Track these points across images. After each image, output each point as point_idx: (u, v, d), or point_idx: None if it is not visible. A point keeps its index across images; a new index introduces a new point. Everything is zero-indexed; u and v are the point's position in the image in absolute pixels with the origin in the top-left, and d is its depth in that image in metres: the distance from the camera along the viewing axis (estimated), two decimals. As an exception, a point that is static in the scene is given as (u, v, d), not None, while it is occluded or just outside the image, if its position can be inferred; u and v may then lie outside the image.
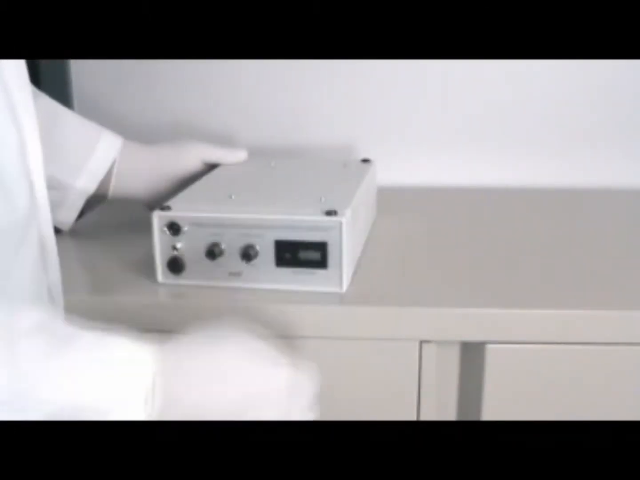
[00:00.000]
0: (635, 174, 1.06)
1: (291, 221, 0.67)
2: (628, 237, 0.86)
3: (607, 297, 0.69)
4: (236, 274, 0.69)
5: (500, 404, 0.68)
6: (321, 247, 0.67)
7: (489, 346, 0.66)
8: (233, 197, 0.73)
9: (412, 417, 0.69)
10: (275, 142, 1.08)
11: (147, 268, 0.72)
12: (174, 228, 0.68)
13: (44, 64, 1.08)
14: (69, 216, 0.84)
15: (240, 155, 0.87)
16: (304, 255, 0.67)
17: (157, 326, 0.68)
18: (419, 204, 1.00)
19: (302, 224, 0.67)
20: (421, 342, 0.67)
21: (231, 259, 0.68)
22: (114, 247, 0.82)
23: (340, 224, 0.66)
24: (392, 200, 0.92)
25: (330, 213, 0.66)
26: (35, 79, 1.08)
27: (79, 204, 0.83)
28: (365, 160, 0.91)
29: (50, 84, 1.09)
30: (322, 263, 0.67)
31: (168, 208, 0.69)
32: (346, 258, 0.67)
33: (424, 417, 0.69)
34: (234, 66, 1.05)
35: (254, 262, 0.68)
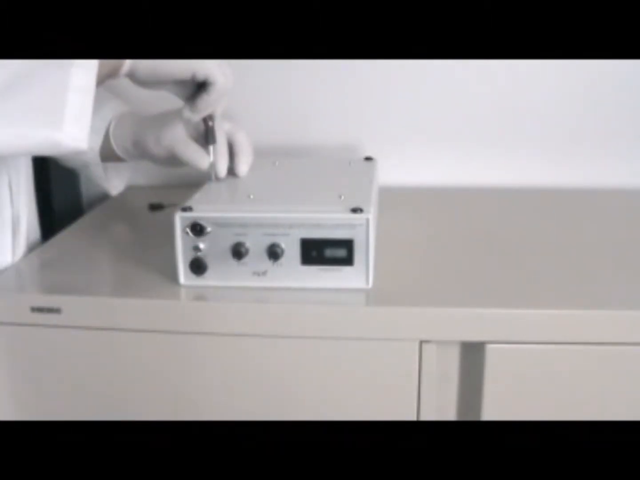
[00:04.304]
0: (635, 174, 1.06)
1: (317, 219, 0.67)
2: (628, 237, 0.85)
3: (607, 297, 0.69)
4: (261, 274, 0.69)
5: (500, 404, 0.68)
6: (347, 245, 0.67)
7: (489, 346, 0.66)
8: (252, 196, 0.73)
9: (412, 417, 0.69)
10: (273, 142, 1.08)
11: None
12: (196, 229, 0.68)
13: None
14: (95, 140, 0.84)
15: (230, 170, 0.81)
16: (330, 252, 0.68)
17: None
18: (419, 203, 0.99)
19: (329, 221, 0.67)
20: (421, 342, 0.67)
21: (256, 258, 0.68)
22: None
23: (367, 220, 0.67)
24: (391, 200, 0.91)
25: (356, 210, 0.67)
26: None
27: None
28: (368, 159, 0.92)
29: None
30: (348, 260, 0.68)
31: (190, 209, 0.68)
32: (372, 254, 0.68)
33: (424, 417, 0.69)
34: (233, 66, 1.05)
35: (280, 261, 0.68)
